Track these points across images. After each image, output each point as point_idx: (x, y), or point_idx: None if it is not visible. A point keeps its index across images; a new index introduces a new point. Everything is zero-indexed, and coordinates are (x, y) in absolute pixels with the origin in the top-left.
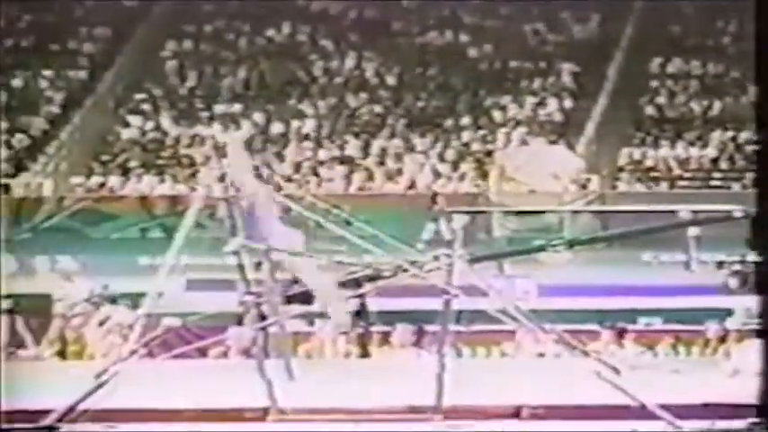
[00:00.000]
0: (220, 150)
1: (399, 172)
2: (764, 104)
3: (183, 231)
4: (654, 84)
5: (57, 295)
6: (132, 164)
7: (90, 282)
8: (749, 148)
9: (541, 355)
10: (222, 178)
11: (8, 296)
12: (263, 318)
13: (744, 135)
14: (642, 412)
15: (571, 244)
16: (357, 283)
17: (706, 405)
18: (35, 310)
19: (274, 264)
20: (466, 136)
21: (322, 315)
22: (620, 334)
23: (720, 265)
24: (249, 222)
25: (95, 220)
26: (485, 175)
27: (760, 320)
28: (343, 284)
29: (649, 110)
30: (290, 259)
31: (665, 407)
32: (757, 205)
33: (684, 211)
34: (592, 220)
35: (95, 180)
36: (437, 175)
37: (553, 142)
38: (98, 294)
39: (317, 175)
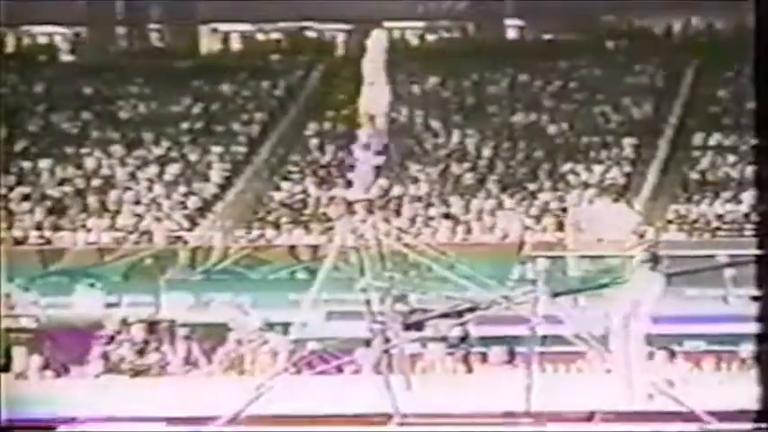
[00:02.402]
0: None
1: (493, 225)
2: (764, 107)
3: (323, 273)
4: (697, 154)
5: (232, 324)
6: (283, 220)
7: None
8: None
9: (609, 371)
10: (353, 231)
11: (185, 325)
12: (386, 341)
13: None
14: (691, 416)
15: None
16: (460, 313)
17: (742, 411)
18: (207, 336)
19: (395, 298)
20: (546, 196)
21: (433, 339)
22: (672, 354)
23: (755, 298)
24: None
25: (254, 264)
26: (561, 227)
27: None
28: (448, 315)
29: (693, 175)
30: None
31: (710, 413)
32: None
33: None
34: None
35: (254, 233)
36: (524, 227)
37: (616, 201)
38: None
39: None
